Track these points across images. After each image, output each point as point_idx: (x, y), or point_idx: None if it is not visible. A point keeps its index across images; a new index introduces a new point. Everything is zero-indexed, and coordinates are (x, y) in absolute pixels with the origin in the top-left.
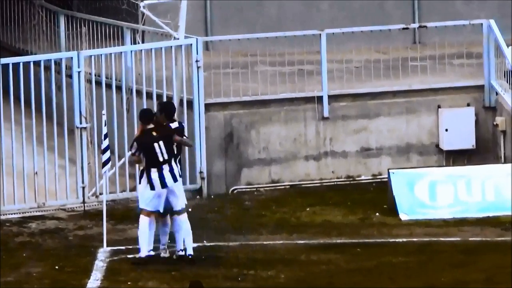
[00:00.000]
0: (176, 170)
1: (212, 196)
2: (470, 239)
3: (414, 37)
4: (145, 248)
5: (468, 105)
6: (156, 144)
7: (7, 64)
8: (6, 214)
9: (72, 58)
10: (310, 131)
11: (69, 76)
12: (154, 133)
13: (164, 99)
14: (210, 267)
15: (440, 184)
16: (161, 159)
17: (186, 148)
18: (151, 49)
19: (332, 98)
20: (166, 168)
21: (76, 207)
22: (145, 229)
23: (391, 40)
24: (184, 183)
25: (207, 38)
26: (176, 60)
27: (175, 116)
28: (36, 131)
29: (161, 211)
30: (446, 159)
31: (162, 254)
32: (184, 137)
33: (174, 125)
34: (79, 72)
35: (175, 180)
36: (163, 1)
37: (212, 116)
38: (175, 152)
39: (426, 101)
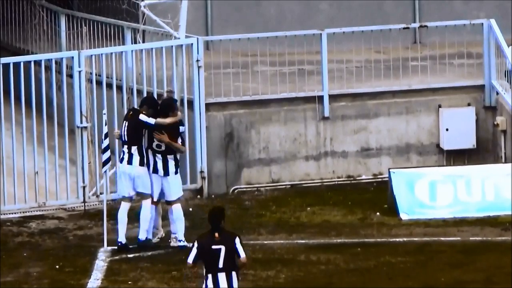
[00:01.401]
0: (136, 157)
1: (213, 196)
2: (470, 239)
3: (414, 37)
4: (120, 234)
5: (469, 105)
6: (124, 123)
7: (8, 64)
8: (6, 214)
9: (72, 57)
10: (310, 131)
11: (70, 75)
12: (130, 113)
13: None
14: None
15: (440, 184)
16: (122, 138)
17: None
18: (152, 48)
19: (332, 98)
20: (125, 149)
21: (77, 207)
22: (118, 216)
23: (391, 40)
24: (184, 182)
25: (207, 38)
26: (176, 59)
27: (171, 116)
28: (36, 131)
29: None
30: (446, 159)
31: (172, 244)
32: (179, 141)
33: (150, 120)
34: (79, 72)
35: (128, 163)
36: (163, 1)
37: (212, 116)
38: (140, 141)
39: (426, 101)
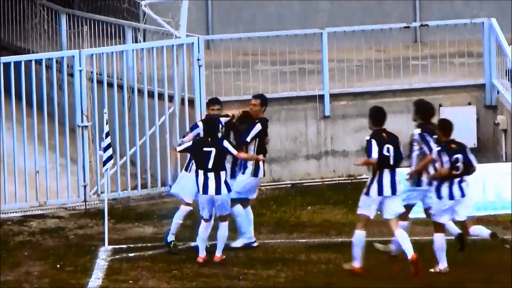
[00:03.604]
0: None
1: None
2: (470, 238)
3: (415, 36)
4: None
5: (469, 104)
6: None
7: (9, 63)
8: (7, 213)
9: (73, 56)
10: (310, 130)
11: (70, 74)
12: None
13: (166, 98)
14: (211, 266)
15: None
16: None
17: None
18: (153, 48)
19: (333, 97)
20: None
21: (77, 206)
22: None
23: (392, 39)
24: None
25: (208, 37)
26: (177, 59)
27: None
28: (37, 130)
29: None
30: None
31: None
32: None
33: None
34: (80, 71)
35: None
36: (164, 0)
37: None
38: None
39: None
